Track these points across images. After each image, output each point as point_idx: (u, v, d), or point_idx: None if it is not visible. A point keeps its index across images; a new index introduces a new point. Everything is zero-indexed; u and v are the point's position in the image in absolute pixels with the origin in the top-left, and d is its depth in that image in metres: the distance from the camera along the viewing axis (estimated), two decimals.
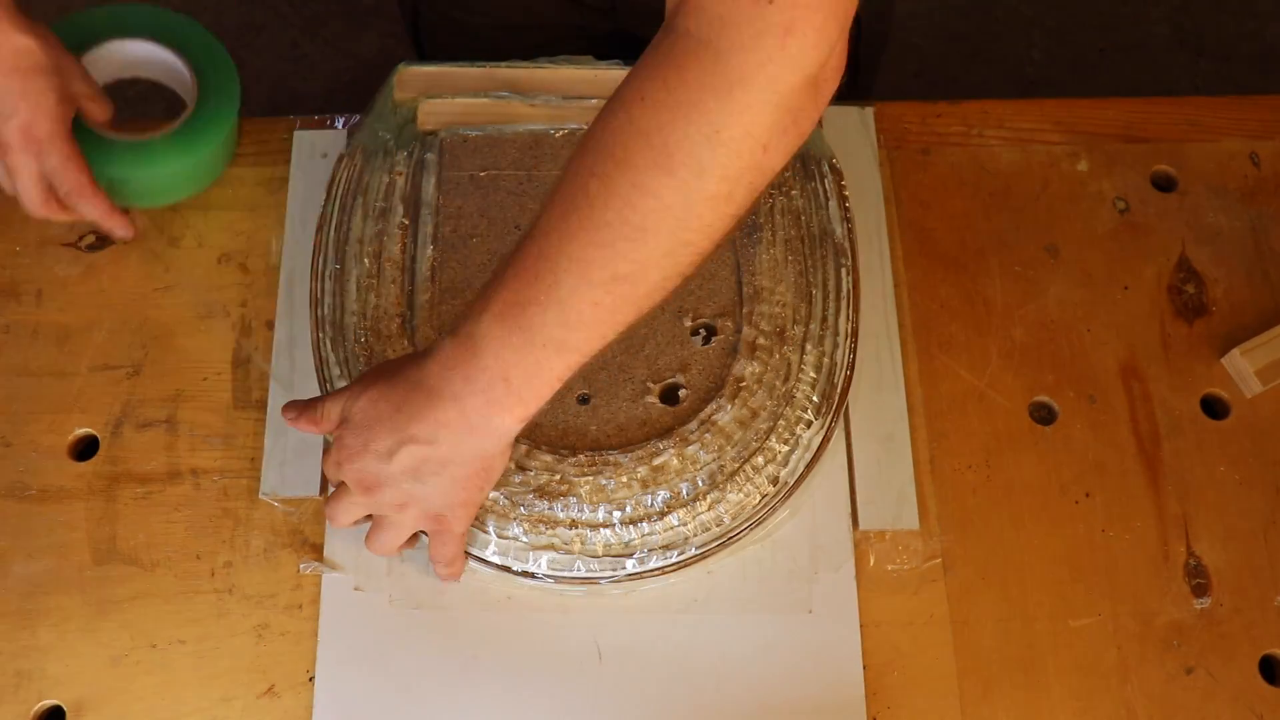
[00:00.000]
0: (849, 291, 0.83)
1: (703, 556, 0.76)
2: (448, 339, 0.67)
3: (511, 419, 0.66)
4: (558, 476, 0.76)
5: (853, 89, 1.06)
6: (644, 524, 0.76)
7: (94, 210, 0.82)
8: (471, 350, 0.65)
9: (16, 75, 0.77)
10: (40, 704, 0.75)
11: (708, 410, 0.78)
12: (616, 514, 0.76)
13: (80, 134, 0.82)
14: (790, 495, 0.77)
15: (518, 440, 0.77)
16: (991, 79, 1.86)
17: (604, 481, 0.76)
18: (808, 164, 0.87)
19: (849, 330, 0.82)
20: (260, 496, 0.80)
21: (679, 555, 0.76)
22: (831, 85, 0.61)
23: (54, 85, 0.78)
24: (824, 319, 0.82)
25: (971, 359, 0.85)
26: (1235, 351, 0.84)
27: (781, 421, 0.78)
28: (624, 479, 0.76)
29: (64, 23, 0.86)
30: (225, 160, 0.90)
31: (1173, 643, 0.77)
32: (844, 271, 0.83)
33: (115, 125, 0.85)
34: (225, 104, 0.87)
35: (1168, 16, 1.91)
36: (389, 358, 0.80)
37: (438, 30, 1.06)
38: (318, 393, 0.80)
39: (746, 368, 0.79)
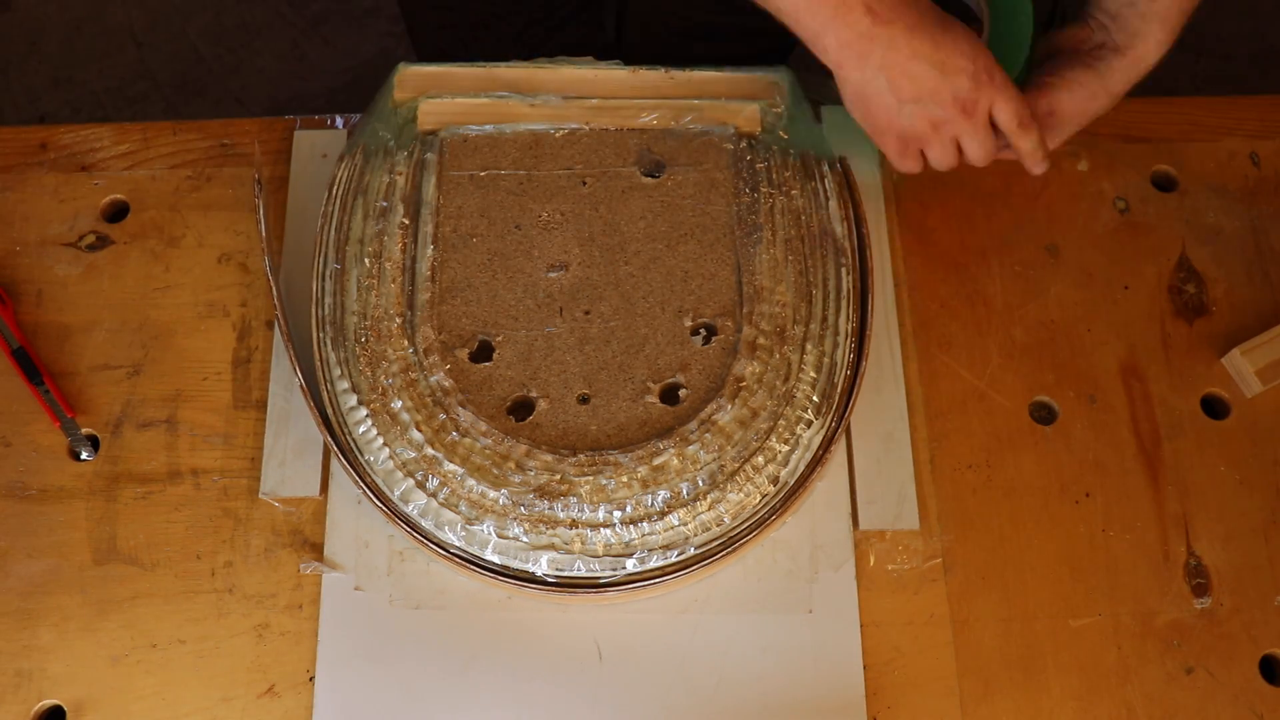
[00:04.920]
0: (849, 291, 0.83)
1: (703, 556, 0.76)
2: None
3: None
4: (558, 476, 0.76)
5: None
6: (644, 524, 0.76)
7: (1031, 142, 0.79)
8: None
9: (950, 25, 0.75)
10: (40, 704, 0.75)
11: (708, 410, 0.78)
12: (617, 514, 0.76)
13: None
14: (791, 496, 0.77)
15: (518, 440, 0.77)
16: None
17: (604, 481, 0.76)
18: (808, 164, 0.87)
19: (849, 330, 0.82)
20: (260, 496, 0.80)
21: (679, 555, 0.76)
22: None
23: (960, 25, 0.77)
24: (824, 319, 0.82)
25: (971, 359, 0.85)
26: (1235, 351, 0.84)
27: (781, 421, 0.78)
28: (624, 479, 0.76)
29: None
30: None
31: (1173, 643, 0.77)
32: (844, 271, 0.83)
33: None
34: (1019, 24, 0.83)
35: None
36: (389, 357, 0.80)
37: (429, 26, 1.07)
38: (317, 393, 0.80)
39: (746, 368, 0.79)
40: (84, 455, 0.81)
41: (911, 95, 0.74)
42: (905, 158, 0.79)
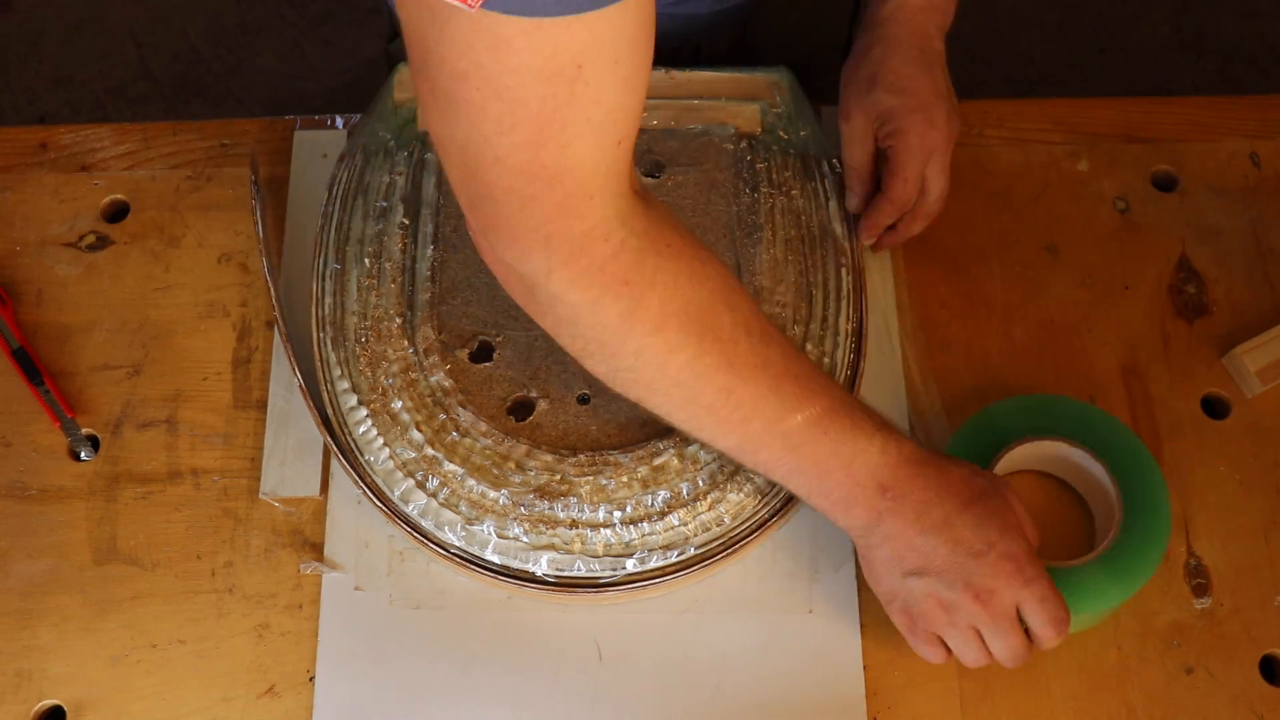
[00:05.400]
0: (849, 291, 0.83)
1: (703, 556, 0.76)
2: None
3: None
4: (558, 476, 0.76)
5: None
6: (644, 524, 0.76)
7: (1054, 643, 0.70)
8: None
9: (977, 503, 0.69)
10: (40, 704, 0.75)
11: None
12: (617, 514, 0.76)
13: None
14: (791, 496, 0.77)
15: (518, 440, 0.77)
16: (991, 79, 1.86)
17: (604, 481, 0.76)
18: (808, 164, 0.87)
19: (849, 330, 0.82)
20: (260, 496, 0.80)
21: (679, 555, 0.76)
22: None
23: (1011, 504, 0.70)
24: (824, 319, 0.82)
25: (971, 359, 0.85)
26: (1235, 351, 0.84)
27: None
28: (624, 479, 0.76)
29: (979, 415, 0.79)
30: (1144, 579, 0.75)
31: (1173, 643, 0.77)
32: (844, 271, 0.83)
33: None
34: (1155, 523, 0.75)
35: (1168, 16, 1.91)
36: (389, 358, 0.80)
37: None
38: (317, 393, 0.80)
39: None
40: (84, 455, 0.81)
41: (915, 568, 0.69)
42: (919, 640, 0.71)
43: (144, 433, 0.82)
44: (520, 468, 0.77)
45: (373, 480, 0.77)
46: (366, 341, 0.81)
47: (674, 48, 0.94)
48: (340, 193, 0.86)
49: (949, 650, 0.71)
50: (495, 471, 0.76)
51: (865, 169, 0.82)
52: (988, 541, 0.68)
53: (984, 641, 0.69)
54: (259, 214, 0.85)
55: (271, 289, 0.82)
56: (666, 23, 0.71)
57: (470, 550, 0.76)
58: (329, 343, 0.81)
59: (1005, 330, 0.86)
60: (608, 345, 0.65)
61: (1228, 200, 0.90)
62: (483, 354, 0.81)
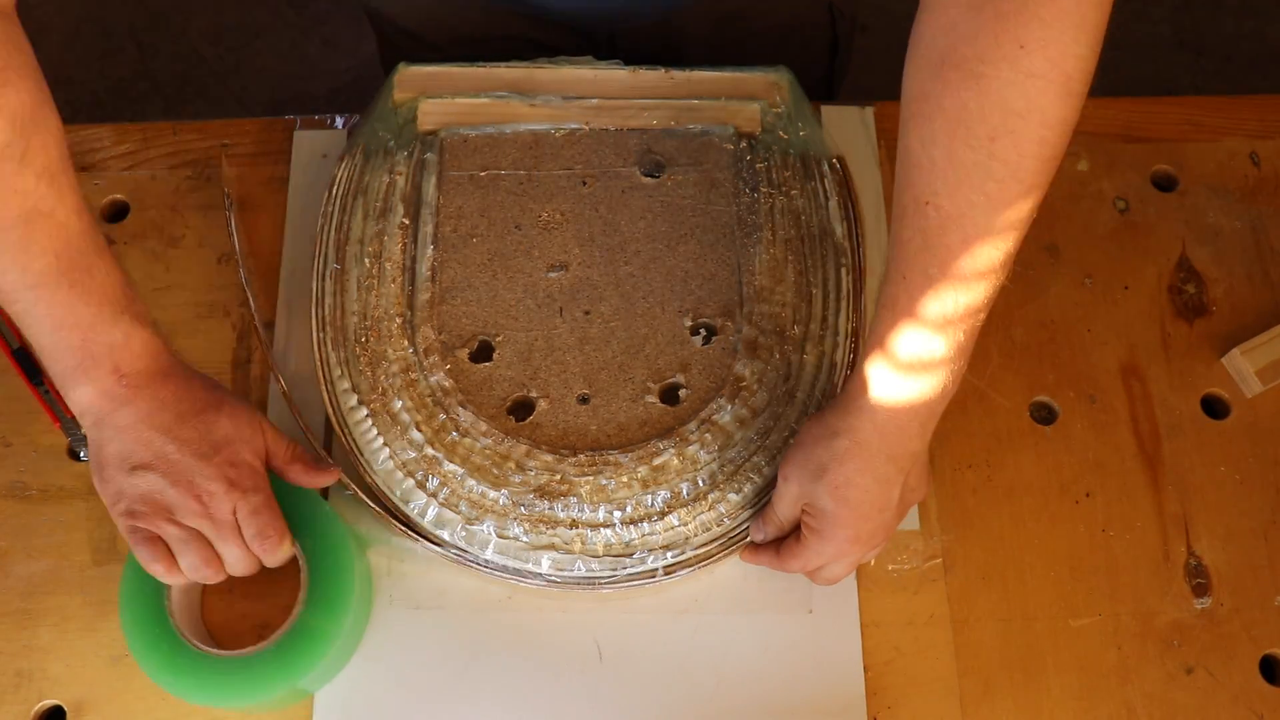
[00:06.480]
0: (849, 291, 0.83)
1: (703, 556, 0.76)
2: None
3: None
4: (558, 476, 0.76)
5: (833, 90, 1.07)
6: (644, 524, 0.76)
7: (275, 561, 0.72)
8: None
9: (213, 411, 0.71)
10: (40, 704, 0.75)
11: (708, 410, 0.78)
12: (617, 514, 0.76)
13: (166, 642, 0.72)
14: None
15: (518, 440, 0.77)
16: None
17: (604, 481, 0.76)
18: (808, 164, 0.87)
19: (849, 330, 0.82)
20: None
21: (679, 555, 0.76)
22: None
23: (246, 418, 0.72)
24: (824, 319, 0.82)
25: (971, 359, 0.85)
26: (1235, 351, 0.84)
27: (782, 421, 0.78)
28: (624, 479, 0.76)
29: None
30: (347, 656, 0.76)
31: (1173, 643, 0.77)
32: (844, 271, 0.83)
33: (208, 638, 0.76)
34: (333, 607, 0.73)
35: (1168, 16, 1.91)
36: (389, 358, 0.80)
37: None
38: (316, 392, 0.80)
39: (746, 367, 0.79)
40: (84, 455, 0.81)
41: (141, 463, 0.68)
42: (139, 544, 0.69)
43: None
44: (520, 468, 0.77)
45: (373, 480, 0.77)
46: (366, 341, 0.81)
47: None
48: (340, 192, 0.86)
49: (175, 561, 0.70)
50: (495, 471, 0.76)
51: (784, 526, 0.75)
52: (214, 446, 0.69)
53: (213, 550, 0.70)
54: (232, 225, 0.85)
55: (250, 299, 0.83)
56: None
57: (470, 550, 0.76)
58: (329, 343, 0.81)
59: (1005, 330, 0.86)
60: None
61: (1228, 200, 0.90)
62: (483, 354, 0.81)
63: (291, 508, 0.73)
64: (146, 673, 0.72)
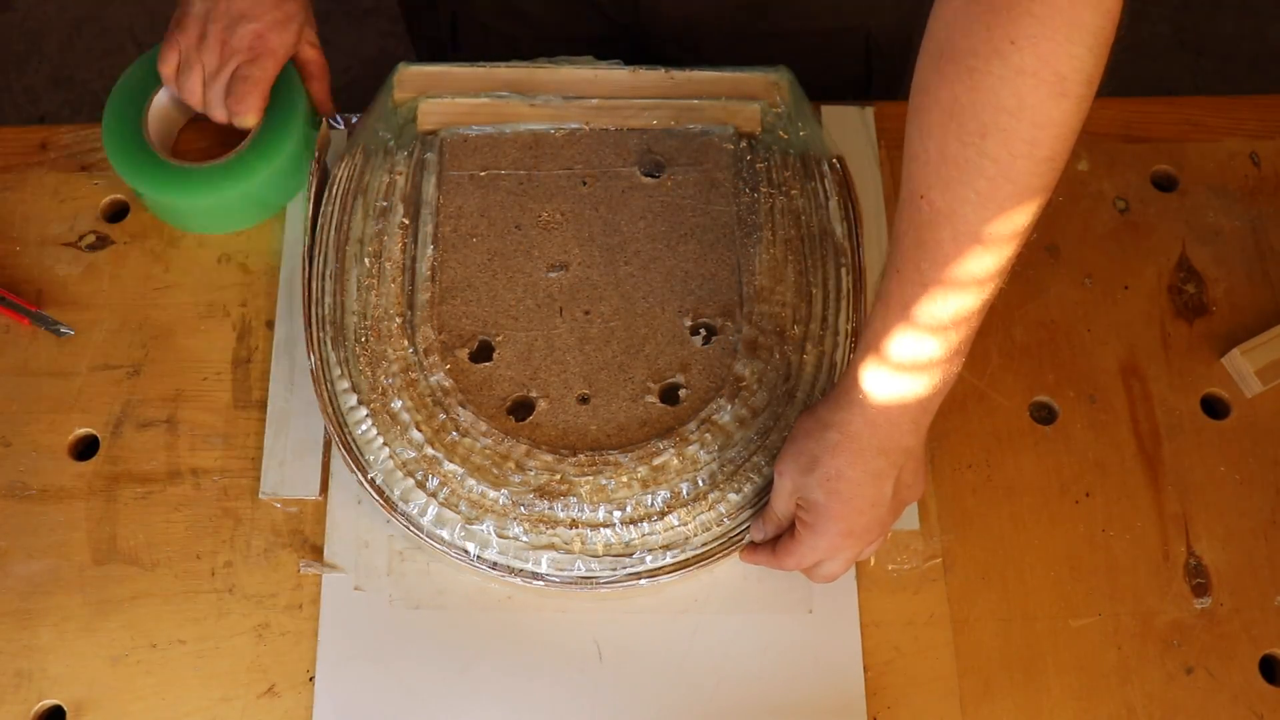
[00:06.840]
0: (849, 291, 0.83)
1: (703, 556, 0.76)
2: None
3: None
4: (558, 476, 0.76)
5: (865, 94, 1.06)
6: (644, 524, 0.76)
7: (239, 124, 0.86)
8: None
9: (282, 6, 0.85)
10: (40, 704, 0.75)
11: (708, 410, 0.78)
12: (617, 514, 0.76)
13: (139, 157, 0.86)
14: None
15: (518, 440, 0.77)
16: None
17: (604, 481, 0.76)
18: (808, 164, 0.87)
19: (849, 330, 0.82)
20: (260, 496, 0.80)
21: (679, 555, 0.76)
22: None
23: (299, 14, 0.86)
24: (824, 319, 0.82)
25: (971, 359, 0.85)
26: (1235, 351, 0.84)
27: (782, 421, 0.78)
28: (624, 479, 0.76)
29: (141, 61, 0.91)
30: (287, 192, 0.90)
31: (1173, 643, 0.77)
32: (844, 271, 0.83)
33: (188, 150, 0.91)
34: (284, 130, 0.87)
35: (1168, 16, 1.91)
36: (389, 357, 0.80)
37: (472, 37, 1.06)
38: (317, 392, 0.80)
39: (746, 367, 0.79)
40: (63, 331, 0.85)
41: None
42: (168, 45, 0.87)
43: (144, 432, 0.82)
44: (520, 467, 0.77)
45: (373, 480, 0.77)
46: (366, 341, 0.81)
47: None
48: (340, 192, 0.86)
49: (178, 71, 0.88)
50: (495, 471, 0.76)
51: (782, 522, 0.75)
52: (257, 18, 0.85)
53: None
54: (312, 190, 0.87)
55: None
56: None
57: (470, 550, 0.76)
58: (329, 343, 0.81)
59: (1005, 330, 0.86)
60: None
61: (1228, 200, 0.90)
62: (483, 354, 0.81)
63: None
64: (124, 176, 0.86)
